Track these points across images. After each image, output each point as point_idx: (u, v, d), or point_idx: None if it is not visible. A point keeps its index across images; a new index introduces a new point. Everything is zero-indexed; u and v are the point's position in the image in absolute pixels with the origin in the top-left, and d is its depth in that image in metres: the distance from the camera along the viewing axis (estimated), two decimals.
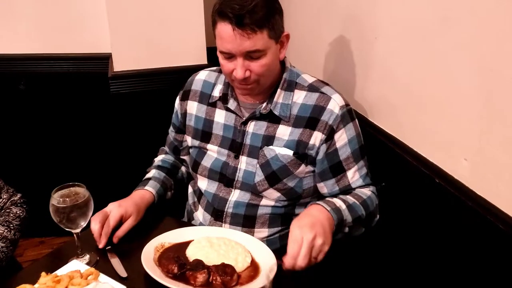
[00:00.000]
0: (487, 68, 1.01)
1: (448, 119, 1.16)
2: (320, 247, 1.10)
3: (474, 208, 1.05)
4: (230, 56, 1.22)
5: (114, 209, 1.29)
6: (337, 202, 1.23)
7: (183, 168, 1.60)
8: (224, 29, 1.17)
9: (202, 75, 1.47)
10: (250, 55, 1.20)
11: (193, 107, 1.45)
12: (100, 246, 1.23)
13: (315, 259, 1.11)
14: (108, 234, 1.25)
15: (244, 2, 1.15)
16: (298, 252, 1.08)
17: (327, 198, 1.28)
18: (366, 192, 1.32)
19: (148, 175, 1.50)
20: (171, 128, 1.58)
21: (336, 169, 1.31)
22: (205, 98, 1.43)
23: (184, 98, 1.48)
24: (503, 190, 1.01)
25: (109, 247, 1.24)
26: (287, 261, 1.09)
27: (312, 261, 1.11)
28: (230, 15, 1.14)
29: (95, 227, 1.24)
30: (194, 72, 1.51)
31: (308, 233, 1.09)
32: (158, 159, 1.59)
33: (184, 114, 1.47)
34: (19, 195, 1.43)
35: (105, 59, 2.31)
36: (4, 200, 1.39)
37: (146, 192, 1.41)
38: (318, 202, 1.22)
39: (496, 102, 1.00)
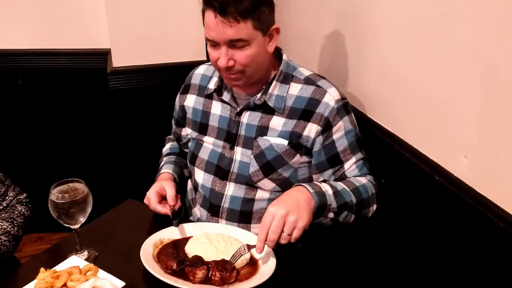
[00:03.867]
0: (487, 64, 1.01)
1: (448, 116, 1.15)
2: (293, 223, 1.11)
3: (473, 205, 1.05)
4: (215, 44, 1.23)
5: (148, 194, 1.36)
6: (324, 186, 1.22)
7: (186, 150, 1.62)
8: (209, 17, 1.19)
9: (201, 69, 1.50)
10: (234, 44, 1.21)
11: (191, 100, 1.47)
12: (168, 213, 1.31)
13: (290, 235, 1.12)
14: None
15: None
16: (268, 227, 1.11)
17: (315, 182, 1.27)
18: (361, 180, 1.31)
19: (160, 166, 1.56)
20: (173, 121, 1.61)
21: (334, 160, 1.32)
22: (202, 90, 1.46)
23: (184, 92, 1.51)
24: (503, 188, 1.00)
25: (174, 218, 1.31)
26: (259, 234, 1.13)
27: (287, 238, 1.12)
28: (215, 3, 1.16)
29: (153, 206, 1.33)
30: (192, 68, 1.53)
31: (281, 209, 1.11)
32: (166, 148, 1.65)
33: (182, 107, 1.50)
34: (25, 195, 1.45)
35: (104, 54, 2.31)
36: (10, 198, 1.41)
37: (164, 173, 1.48)
38: (303, 183, 1.22)
39: (496, 98, 1.00)
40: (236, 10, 1.15)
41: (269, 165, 1.32)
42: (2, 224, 1.31)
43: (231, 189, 1.37)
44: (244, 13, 1.16)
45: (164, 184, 1.38)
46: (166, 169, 1.50)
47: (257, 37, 1.22)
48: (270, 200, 1.35)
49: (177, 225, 1.29)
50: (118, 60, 2.12)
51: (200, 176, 1.44)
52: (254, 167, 1.33)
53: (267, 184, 1.34)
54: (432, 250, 1.22)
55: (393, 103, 1.39)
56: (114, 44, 2.12)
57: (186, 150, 1.57)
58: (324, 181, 1.29)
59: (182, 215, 1.50)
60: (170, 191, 1.35)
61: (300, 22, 2.00)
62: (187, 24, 2.11)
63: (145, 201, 1.37)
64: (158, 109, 1.69)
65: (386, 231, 1.41)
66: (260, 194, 1.36)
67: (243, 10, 1.16)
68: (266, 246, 1.14)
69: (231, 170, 1.37)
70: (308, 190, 1.18)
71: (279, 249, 1.18)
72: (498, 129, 1.00)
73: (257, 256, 1.20)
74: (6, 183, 1.42)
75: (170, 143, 1.65)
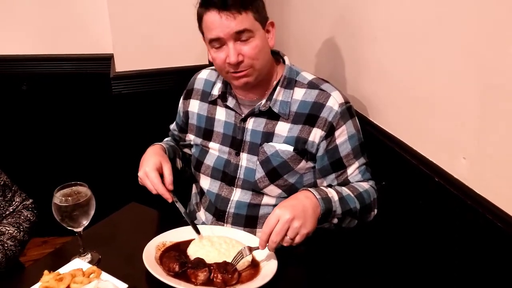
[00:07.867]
0: (485, 66, 1.01)
1: (447, 118, 1.16)
2: (297, 229, 1.12)
3: (473, 206, 1.05)
4: (220, 44, 1.24)
5: (150, 172, 1.31)
6: (330, 192, 1.23)
7: (186, 150, 1.61)
8: (211, 16, 1.21)
9: (204, 74, 1.49)
10: (240, 37, 1.22)
11: (195, 106, 1.47)
12: (170, 200, 1.30)
13: (292, 240, 1.14)
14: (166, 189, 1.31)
15: None
16: (272, 228, 1.12)
17: (321, 187, 1.28)
18: (364, 185, 1.33)
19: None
20: (174, 126, 1.61)
21: (337, 165, 1.32)
22: (206, 96, 1.45)
23: (187, 97, 1.50)
24: (502, 188, 1.01)
25: (175, 198, 1.31)
26: (261, 235, 1.14)
27: (290, 242, 1.14)
28: (215, 0, 1.19)
29: (162, 189, 1.29)
30: (195, 73, 1.53)
31: (287, 214, 1.12)
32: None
33: (186, 113, 1.50)
34: (31, 200, 1.47)
35: (107, 59, 2.32)
36: (17, 203, 1.42)
37: (155, 145, 1.47)
38: (309, 188, 1.22)
39: (495, 100, 1.00)
40: (235, 2, 1.19)
41: (275, 172, 1.33)
42: (8, 229, 1.32)
43: (237, 195, 1.38)
44: (244, 4, 1.20)
45: (164, 162, 1.35)
46: (161, 143, 1.49)
47: (259, 29, 1.25)
48: (276, 206, 1.36)
49: (181, 206, 1.31)
50: (121, 65, 2.14)
51: (206, 182, 1.44)
52: (260, 173, 1.34)
53: (273, 190, 1.34)
54: (432, 251, 1.23)
55: (393, 105, 1.39)
56: (117, 49, 2.14)
57: (185, 150, 1.58)
58: (330, 186, 1.30)
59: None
60: (169, 177, 1.32)
61: (301, 26, 2.01)
62: (190, 28, 2.09)
63: (142, 175, 1.32)
64: (161, 114, 1.69)
65: (386, 232, 1.41)
66: (266, 200, 1.36)
67: (242, 1, 1.20)
68: (266, 247, 1.15)
69: (238, 176, 1.37)
70: (315, 196, 1.19)
71: (280, 251, 1.18)
72: (496, 130, 1.01)
73: (258, 258, 1.21)
74: (13, 188, 1.44)
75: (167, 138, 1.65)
